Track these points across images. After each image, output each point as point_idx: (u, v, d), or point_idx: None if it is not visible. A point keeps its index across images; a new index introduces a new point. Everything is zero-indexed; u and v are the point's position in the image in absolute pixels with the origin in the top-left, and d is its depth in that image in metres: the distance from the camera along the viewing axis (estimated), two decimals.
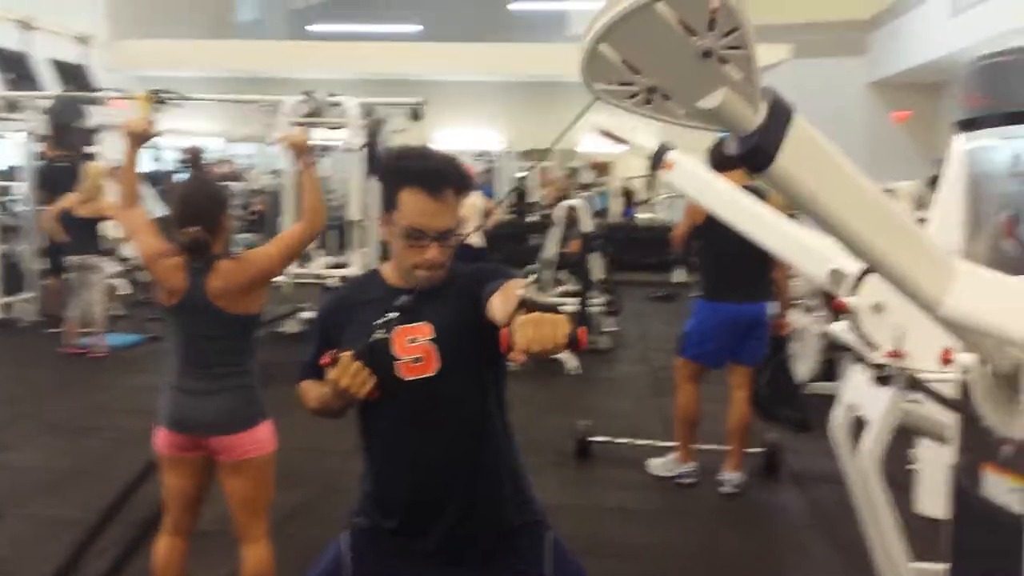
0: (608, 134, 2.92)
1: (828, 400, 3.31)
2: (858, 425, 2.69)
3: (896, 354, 2.17)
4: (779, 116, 1.05)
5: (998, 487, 1.79)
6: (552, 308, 1.34)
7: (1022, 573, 1.70)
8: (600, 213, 13.43)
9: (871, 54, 14.33)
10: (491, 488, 1.86)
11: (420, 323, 1.81)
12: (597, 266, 9.00)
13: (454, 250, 1.80)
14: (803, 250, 2.48)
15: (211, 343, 2.60)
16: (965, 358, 1.53)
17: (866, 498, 2.84)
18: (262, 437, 2.63)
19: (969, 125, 1.94)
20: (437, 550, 1.84)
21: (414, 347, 1.80)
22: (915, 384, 2.08)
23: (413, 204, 1.75)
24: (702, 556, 3.73)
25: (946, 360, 1.60)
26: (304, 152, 2.79)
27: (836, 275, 2.34)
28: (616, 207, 15.53)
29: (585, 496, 4.33)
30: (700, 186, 2.63)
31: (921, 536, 2.94)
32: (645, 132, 2.74)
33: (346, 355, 1.68)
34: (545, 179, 14.91)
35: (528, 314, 1.35)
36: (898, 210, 1.21)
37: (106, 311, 7.43)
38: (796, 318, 4.37)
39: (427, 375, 1.79)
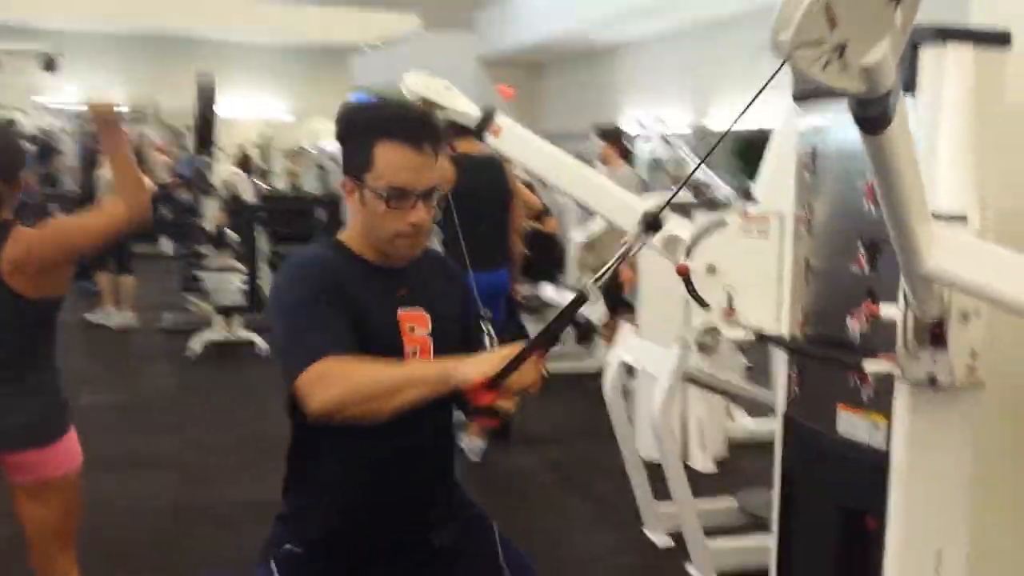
0: (425, 99, 2.72)
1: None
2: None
3: (729, 312, 2.32)
4: (897, 80, 1.05)
5: (855, 425, 2.00)
6: None
7: (888, 498, 1.93)
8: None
9: (480, 29, 15.27)
10: (453, 482, 1.71)
11: (417, 309, 1.58)
12: (263, 240, 8.54)
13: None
14: (616, 203, 2.52)
15: (3, 334, 2.05)
16: (889, 310, 1.68)
17: (661, 447, 3.04)
18: (69, 450, 2.10)
19: (805, 96, 2.13)
20: (399, 551, 1.61)
21: (414, 338, 1.56)
22: (761, 338, 2.25)
23: (394, 159, 1.49)
24: None
25: (872, 315, 1.74)
26: (110, 123, 2.11)
27: (671, 240, 2.44)
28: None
29: None
30: (528, 150, 2.58)
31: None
32: (462, 97, 2.60)
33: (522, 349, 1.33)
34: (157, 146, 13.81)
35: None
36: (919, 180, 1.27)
37: None
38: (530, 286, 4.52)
39: None
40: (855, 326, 1.97)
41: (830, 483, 2.09)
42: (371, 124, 1.53)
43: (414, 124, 1.53)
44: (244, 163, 14.65)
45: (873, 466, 1.94)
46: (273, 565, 1.58)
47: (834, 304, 2.02)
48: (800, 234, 2.17)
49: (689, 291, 2.38)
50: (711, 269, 2.35)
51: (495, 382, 1.31)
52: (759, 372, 4.14)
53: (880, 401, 1.94)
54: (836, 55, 0.95)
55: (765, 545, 3.23)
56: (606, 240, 4.45)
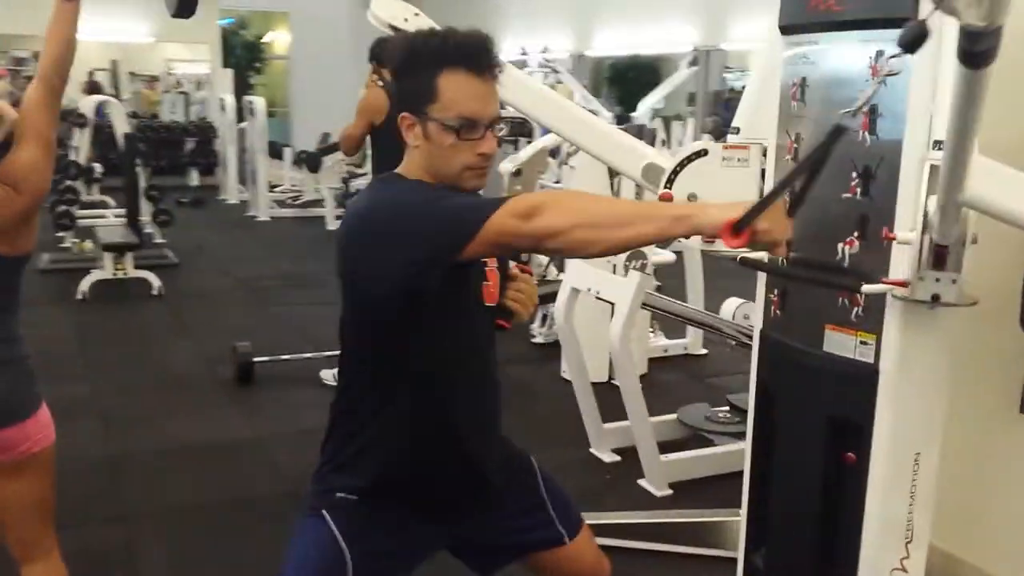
0: (394, 28, 2.60)
1: None
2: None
3: (710, 240, 2.39)
4: None
5: (843, 343, 2.13)
6: None
7: (875, 407, 2.08)
8: None
9: None
10: (500, 420, 1.72)
11: None
12: (141, 174, 8.10)
13: None
14: (620, 148, 2.54)
15: None
16: (907, 235, 1.78)
17: (619, 370, 3.14)
18: (44, 422, 1.94)
19: (792, 26, 2.18)
20: (460, 490, 1.61)
21: (489, 271, 1.57)
22: (746, 262, 2.33)
23: (462, 88, 1.45)
24: None
25: (888, 238, 1.84)
26: None
27: (652, 169, 2.48)
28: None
29: (262, 425, 4.00)
30: (523, 93, 2.53)
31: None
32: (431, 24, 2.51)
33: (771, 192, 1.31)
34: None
35: None
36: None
37: None
38: None
39: (492, 304, 1.59)
40: (847, 251, 2.08)
41: (816, 395, 2.22)
42: (435, 54, 1.47)
43: (479, 51, 1.47)
44: (93, 90, 13.64)
45: (861, 378, 2.07)
46: (327, 515, 1.55)
47: (825, 230, 2.11)
48: (785, 163, 2.25)
49: None
50: (692, 197, 2.41)
51: (743, 225, 1.26)
52: (667, 292, 4.34)
53: (868, 320, 2.07)
54: None
55: (709, 456, 3.44)
56: (534, 166, 4.46)
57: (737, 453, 3.50)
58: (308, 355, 4.60)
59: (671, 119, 9.98)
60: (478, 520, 1.66)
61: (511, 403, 4.32)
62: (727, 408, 3.79)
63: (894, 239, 1.78)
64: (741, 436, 3.65)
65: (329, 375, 4.35)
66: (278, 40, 18.43)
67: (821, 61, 2.13)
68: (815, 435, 2.24)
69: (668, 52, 10.21)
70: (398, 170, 1.57)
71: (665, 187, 2.44)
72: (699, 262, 4.87)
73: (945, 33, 1.87)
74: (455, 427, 1.58)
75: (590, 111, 6.47)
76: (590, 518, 2.78)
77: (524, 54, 10.51)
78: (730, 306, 3.68)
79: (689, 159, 2.42)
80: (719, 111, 10.68)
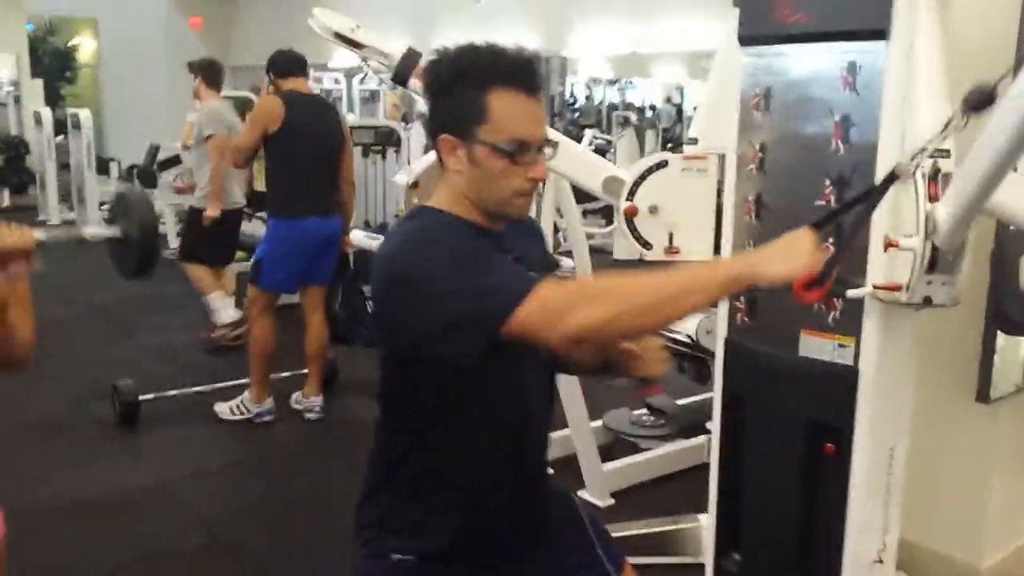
0: (340, 36, 2.41)
1: None
2: None
3: (672, 250, 2.40)
4: None
5: (819, 347, 2.19)
6: None
7: (856, 410, 2.14)
8: None
9: None
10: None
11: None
12: None
13: None
14: (579, 161, 2.49)
15: None
16: (909, 242, 1.83)
17: (563, 387, 3.09)
18: None
19: (753, 39, 2.22)
20: (512, 549, 1.50)
21: None
22: None
23: (515, 108, 1.34)
24: (319, 493, 3.51)
25: (890, 244, 1.88)
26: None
27: (613, 182, 2.44)
28: None
29: (161, 470, 3.65)
30: None
31: None
32: (375, 35, 2.36)
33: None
34: None
35: None
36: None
37: None
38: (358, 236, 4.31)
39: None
40: (820, 258, 2.13)
41: (793, 399, 2.26)
42: (485, 71, 1.34)
43: (531, 69, 1.37)
44: None
45: (840, 380, 2.14)
46: None
47: None
48: (748, 172, 2.28)
49: (631, 231, 2.43)
50: (653, 209, 2.41)
51: (823, 279, 1.22)
52: None
53: (845, 324, 2.13)
54: None
55: (644, 462, 3.47)
56: (431, 177, 4.34)
57: (671, 456, 3.55)
58: (197, 389, 4.27)
59: None
60: (530, 569, 1.56)
61: None
62: (646, 411, 3.84)
63: (897, 246, 1.82)
64: (667, 439, 3.71)
65: (226, 409, 4.06)
66: (84, 47, 17.18)
67: (787, 72, 2.18)
68: (792, 437, 2.29)
69: None
70: (432, 202, 1.45)
71: (627, 199, 2.42)
72: None
73: (918, 43, 1.97)
74: (506, 489, 1.48)
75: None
76: None
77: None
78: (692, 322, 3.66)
79: (650, 171, 2.42)
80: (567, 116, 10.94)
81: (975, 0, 2.05)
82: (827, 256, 1.27)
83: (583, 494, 3.29)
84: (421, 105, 5.61)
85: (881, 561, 2.30)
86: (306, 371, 4.16)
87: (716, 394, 2.50)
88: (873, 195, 1.36)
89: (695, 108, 5.67)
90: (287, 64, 3.86)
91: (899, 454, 2.24)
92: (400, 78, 2.30)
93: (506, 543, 1.50)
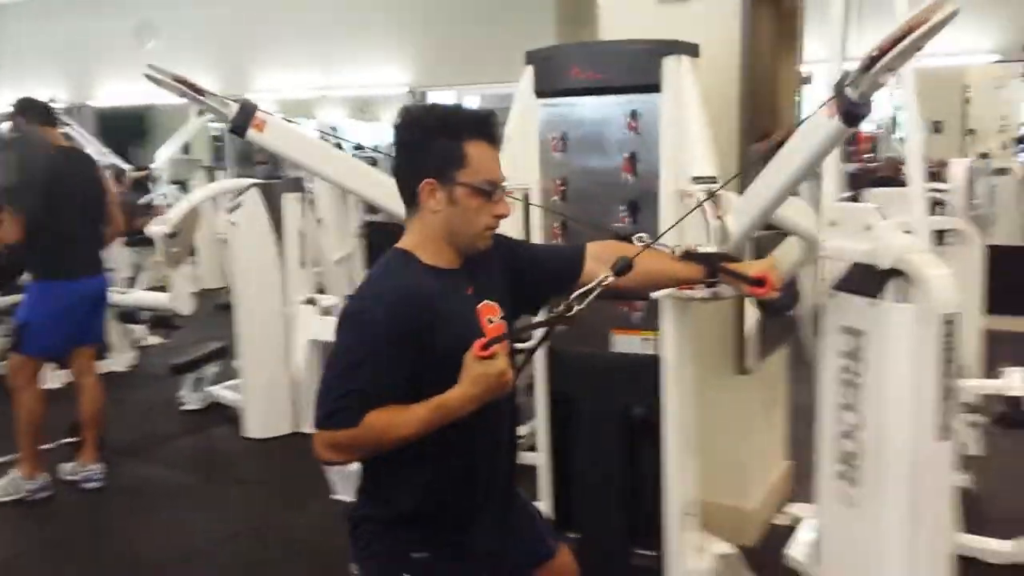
0: (182, 81, 2.38)
1: None
2: None
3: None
4: None
5: (629, 343, 2.64)
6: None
7: (662, 390, 2.61)
8: None
9: None
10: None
11: (486, 300, 1.65)
12: None
13: None
14: (391, 192, 2.68)
15: None
16: (705, 249, 2.30)
17: None
18: None
19: (548, 92, 2.62)
20: (497, 530, 1.74)
21: (491, 328, 1.63)
22: None
23: (484, 155, 1.61)
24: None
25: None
26: None
27: None
28: None
29: None
30: (295, 143, 2.53)
31: None
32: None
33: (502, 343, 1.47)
34: None
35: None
36: None
37: None
38: None
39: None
40: None
41: (612, 389, 2.69)
42: (460, 124, 1.60)
43: (493, 124, 1.65)
44: None
45: (648, 368, 2.60)
46: None
47: None
48: (553, 202, 2.68)
49: None
50: None
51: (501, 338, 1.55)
52: None
53: (648, 320, 2.60)
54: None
55: None
56: (188, 225, 4.28)
57: None
58: None
59: (213, 168, 9.95)
60: (505, 553, 1.80)
61: (216, 479, 4.14)
62: None
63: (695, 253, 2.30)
64: None
65: None
66: None
67: (581, 118, 2.61)
68: (614, 422, 2.71)
69: (159, 102, 10.05)
70: (404, 244, 1.64)
71: None
72: None
73: (685, 99, 2.48)
74: (491, 481, 1.72)
75: (109, 164, 6.19)
76: None
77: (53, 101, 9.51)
78: None
79: None
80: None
81: (709, 59, 2.60)
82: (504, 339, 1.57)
83: None
84: None
85: (693, 514, 2.80)
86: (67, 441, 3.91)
87: (538, 397, 2.86)
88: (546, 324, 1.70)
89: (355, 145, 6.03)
90: (43, 114, 3.65)
91: (694, 421, 2.75)
92: (239, 128, 2.39)
93: (491, 532, 1.74)
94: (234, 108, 2.40)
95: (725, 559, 2.84)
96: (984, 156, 6.81)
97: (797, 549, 2.97)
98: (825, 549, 2.76)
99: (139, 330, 6.12)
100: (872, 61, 1.50)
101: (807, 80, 3.74)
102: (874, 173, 7.51)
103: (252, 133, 2.42)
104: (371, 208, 4.15)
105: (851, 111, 1.59)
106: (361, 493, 1.73)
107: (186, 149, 9.68)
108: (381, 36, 9.47)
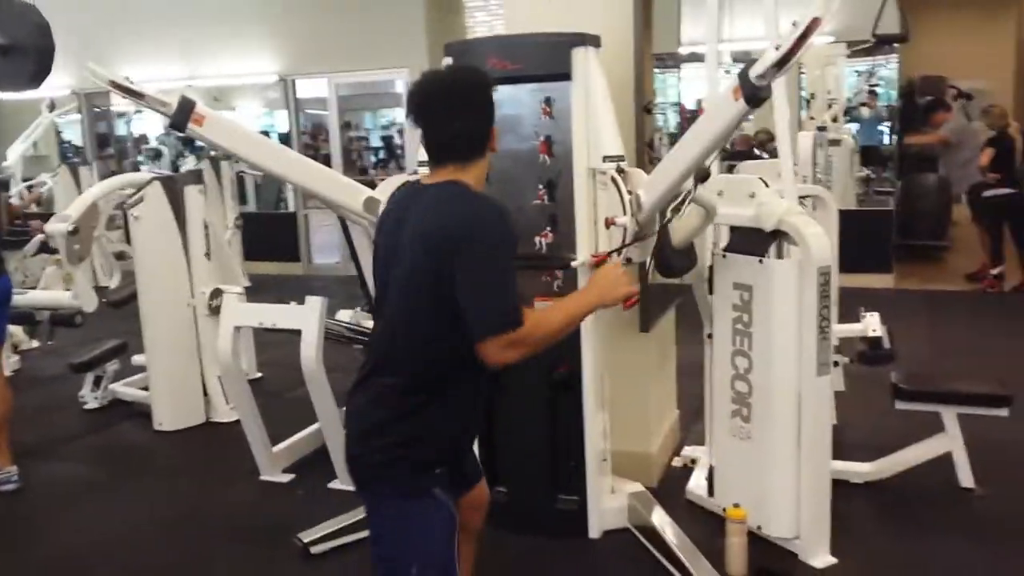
0: (118, 86, 2.43)
1: None
2: None
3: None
4: None
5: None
6: None
7: (581, 351, 2.91)
8: None
9: None
10: None
11: None
12: None
13: None
14: (337, 185, 2.84)
15: None
16: (623, 220, 2.59)
17: (313, 382, 3.44)
18: None
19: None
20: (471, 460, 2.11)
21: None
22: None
23: None
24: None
25: (610, 223, 2.61)
26: None
27: (372, 202, 2.88)
28: None
29: None
30: (235, 137, 2.64)
31: None
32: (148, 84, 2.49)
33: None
34: None
35: None
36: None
37: None
38: None
39: None
40: (543, 242, 2.87)
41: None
42: (490, 81, 1.88)
43: None
44: None
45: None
46: (438, 492, 1.82)
47: (525, 229, 2.84)
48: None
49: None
50: None
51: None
52: None
53: (566, 288, 2.89)
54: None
55: None
56: (88, 221, 4.23)
57: None
58: None
59: (77, 165, 9.60)
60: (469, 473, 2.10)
61: (135, 472, 4.12)
62: None
63: (614, 223, 2.60)
64: None
65: None
66: None
67: (500, 105, 2.83)
68: (538, 384, 3.00)
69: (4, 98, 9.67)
70: (469, 180, 1.83)
71: None
72: None
73: (592, 86, 2.77)
74: (483, 410, 1.99)
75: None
76: (311, 535, 3.08)
77: None
78: None
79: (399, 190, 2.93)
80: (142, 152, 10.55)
81: (607, 46, 2.90)
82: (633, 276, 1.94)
83: (335, 485, 3.67)
84: None
85: (606, 460, 3.13)
86: None
87: None
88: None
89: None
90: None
91: (606, 377, 3.08)
92: (178, 124, 2.49)
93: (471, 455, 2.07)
94: (173, 105, 2.51)
95: (636, 496, 3.19)
96: (822, 129, 7.45)
97: (696, 484, 3.37)
98: (719, 481, 3.16)
99: (18, 332, 5.94)
100: (785, 59, 1.82)
101: (684, 60, 4.10)
102: (731, 148, 8.11)
103: (192, 128, 2.54)
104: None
105: (754, 94, 1.91)
106: (380, 436, 1.82)
107: (35, 146, 9.32)
108: (250, 24, 9.37)
